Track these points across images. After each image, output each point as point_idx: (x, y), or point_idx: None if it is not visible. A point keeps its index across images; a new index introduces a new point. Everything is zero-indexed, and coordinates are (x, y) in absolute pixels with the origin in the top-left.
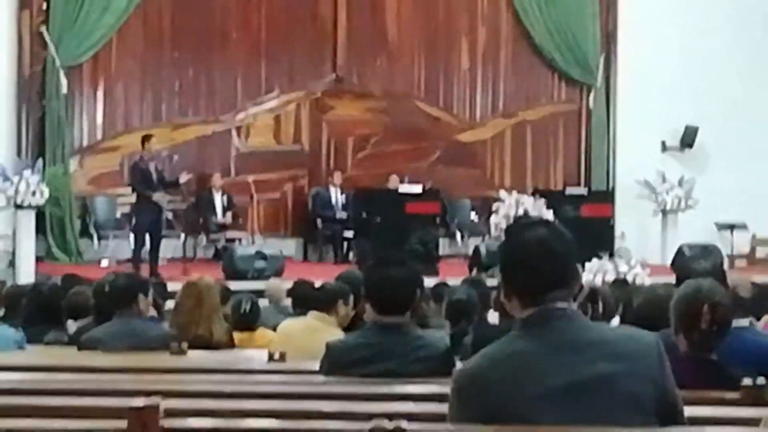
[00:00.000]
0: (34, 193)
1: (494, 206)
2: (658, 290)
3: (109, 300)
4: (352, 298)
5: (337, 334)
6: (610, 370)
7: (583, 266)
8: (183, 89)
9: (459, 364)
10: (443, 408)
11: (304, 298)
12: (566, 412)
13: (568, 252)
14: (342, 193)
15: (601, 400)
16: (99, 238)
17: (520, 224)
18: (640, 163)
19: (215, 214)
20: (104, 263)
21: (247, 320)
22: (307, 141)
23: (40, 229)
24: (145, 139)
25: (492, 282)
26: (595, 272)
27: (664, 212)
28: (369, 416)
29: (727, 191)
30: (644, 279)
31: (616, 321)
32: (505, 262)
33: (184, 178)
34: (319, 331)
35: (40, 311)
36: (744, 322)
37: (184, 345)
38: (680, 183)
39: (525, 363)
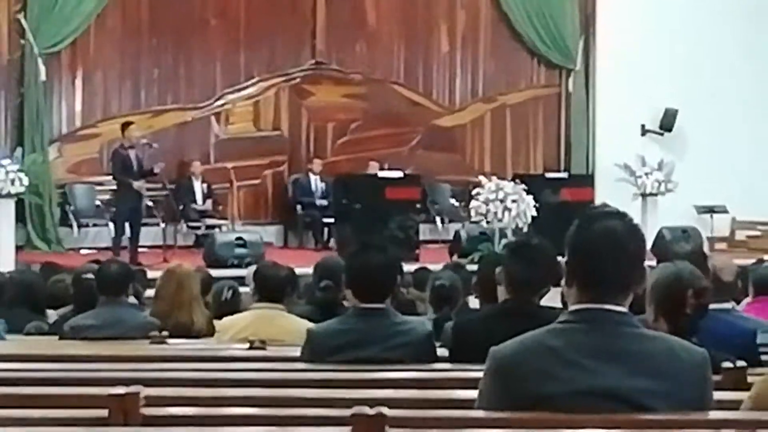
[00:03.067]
0: (13, 182)
1: (474, 191)
2: None
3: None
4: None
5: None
6: (642, 386)
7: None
8: (162, 76)
9: (440, 351)
10: (424, 394)
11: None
12: None
13: (638, 251)
14: (321, 181)
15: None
16: (79, 227)
17: (595, 213)
18: (619, 146)
19: (195, 201)
20: (84, 251)
21: (228, 308)
22: (287, 127)
23: (19, 217)
24: (125, 126)
25: (472, 267)
26: None
27: (644, 196)
28: (350, 402)
29: (706, 174)
30: None
31: None
32: (570, 249)
33: (158, 167)
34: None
35: (20, 300)
36: (726, 305)
37: (165, 333)
38: (660, 166)
39: (558, 360)
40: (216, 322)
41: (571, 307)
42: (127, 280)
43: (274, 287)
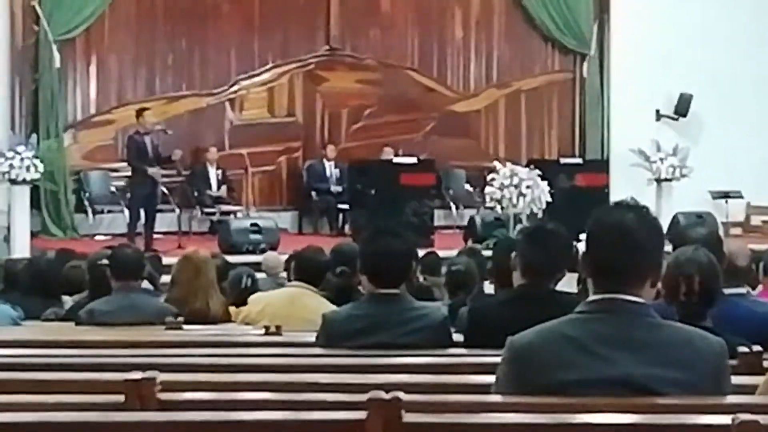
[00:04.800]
0: (28, 168)
1: (489, 177)
2: None
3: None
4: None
5: (321, 300)
6: (659, 374)
7: (578, 236)
8: (176, 62)
9: (455, 336)
10: (440, 379)
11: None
12: None
13: (650, 243)
14: (336, 167)
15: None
16: (94, 213)
17: (610, 205)
18: (634, 131)
19: (210, 187)
20: (99, 238)
21: (247, 295)
22: (301, 113)
23: (34, 204)
24: (139, 112)
25: (487, 253)
26: None
27: (659, 181)
28: (366, 388)
29: (721, 159)
30: None
31: None
32: (587, 240)
33: (176, 155)
34: (301, 297)
35: (35, 287)
36: (742, 290)
37: (180, 319)
38: (675, 151)
39: (575, 349)
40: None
41: (589, 298)
42: (141, 264)
43: (313, 270)
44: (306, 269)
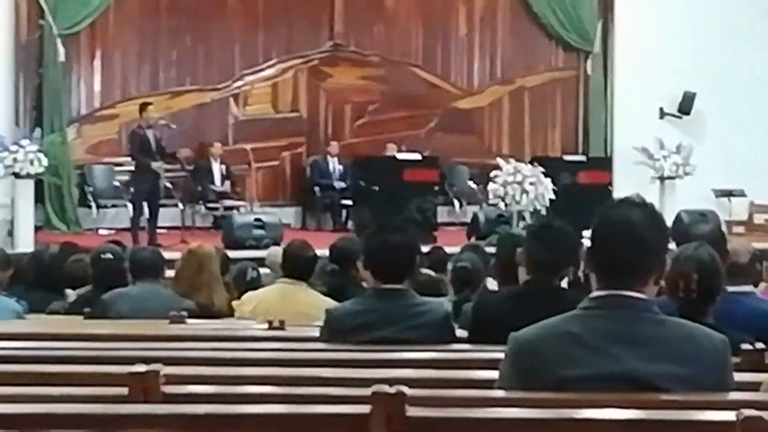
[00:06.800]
0: (32, 162)
1: (492, 174)
2: None
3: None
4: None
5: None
6: (662, 370)
7: (581, 233)
8: (180, 57)
9: (459, 331)
10: (443, 374)
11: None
12: None
13: (655, 240)
14: (339, 163)
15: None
16: (97, 207)
17: (615, 201)
18: (637, 129)
19: (213, 182)
20: (102, 232)
21: (252, 288)
22: (305, 109)
23: (38, 198)
24: (143, 107)
25: (491, 249)
26: None
27: (662, 179)
28: (369, 382)
29: (725, 158)
30: None
31: None
32: (591, 236)
33: (183, 153)
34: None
35: (39, 281)
36: (746, 288)
37: (184, 313)
38: (678, 149)
39: (578, 345)
40: (242, 298)
41: (592, 294)
42: (160, 264)
43: (300, 265)
44: (293, 265)
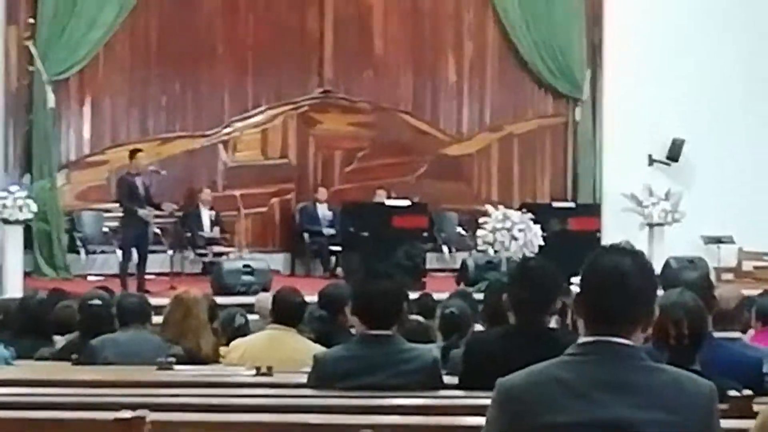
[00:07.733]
0: (21, 208)
1: (481, 220)
2: None
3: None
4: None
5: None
6: (649, 418)
7: (570, 280)
8: (170, 104)
9: (447, 378)
10: (429, 420)
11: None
12: None
13: (644, 288)
14: (329, 209)
15: None
16: (86, 253)
17: (605, 248)
18: (626, 176)
19: (202, 228)
20: (91, 278)
21: (241, 335)
22: (294, 155)
23: (27, 243)
24: (133, 153)
25: (480, 296)
26: None
27: (651, 225)
28: (357, 428)
29: (713, 205)
30: None
31: None
32: (581, 282)
33: (168, 207)
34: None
35: (27, 326)
36: (733, 334)
37: (171, 359)
38: (667, 196)
39: (565, 391)
40: (230, 345)
41: (580, 340)
42: (147, 310)
43: (289, 311)
44: (282, 311)
